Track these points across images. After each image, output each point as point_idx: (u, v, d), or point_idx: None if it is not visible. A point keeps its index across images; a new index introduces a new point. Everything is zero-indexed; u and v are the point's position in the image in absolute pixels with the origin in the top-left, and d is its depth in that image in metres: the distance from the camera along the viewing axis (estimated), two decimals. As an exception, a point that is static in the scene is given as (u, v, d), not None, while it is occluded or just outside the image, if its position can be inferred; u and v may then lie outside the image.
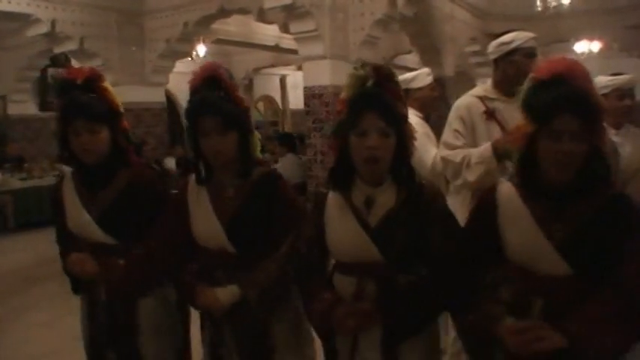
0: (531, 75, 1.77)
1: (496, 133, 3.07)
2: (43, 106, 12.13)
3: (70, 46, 8.28)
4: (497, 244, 1.83)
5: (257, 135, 2.21)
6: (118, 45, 8.51)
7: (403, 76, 3.77)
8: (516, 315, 1.70)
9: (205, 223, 2.18)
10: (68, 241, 2.40)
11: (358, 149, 1.81)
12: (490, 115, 3.12)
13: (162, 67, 8.97)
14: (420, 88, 3.92)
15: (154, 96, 9.13)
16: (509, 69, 3.11)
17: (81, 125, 2.21)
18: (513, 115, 2.92)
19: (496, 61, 3.18)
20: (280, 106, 17.48)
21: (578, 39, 11.22)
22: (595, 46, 11.58)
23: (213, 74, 2.12)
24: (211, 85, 2.10)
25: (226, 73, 2.16)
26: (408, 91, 3.75)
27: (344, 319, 1.83)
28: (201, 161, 2.17)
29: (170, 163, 9.67)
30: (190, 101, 2.11)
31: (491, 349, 1.77)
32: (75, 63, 10.54)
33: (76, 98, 2.22)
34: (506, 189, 1.84)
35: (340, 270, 1.98)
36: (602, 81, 3.53)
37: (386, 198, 1.89)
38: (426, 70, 4.09)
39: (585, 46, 11.59)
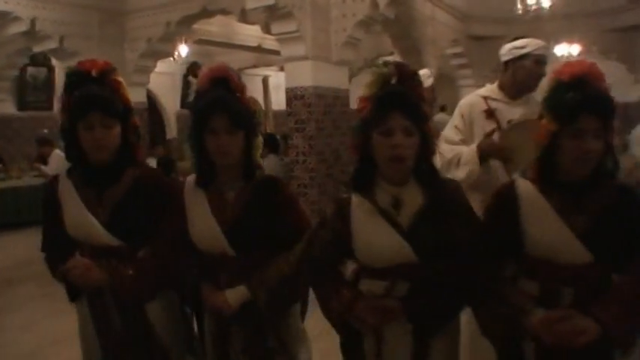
0: (552, 76, 1.84)
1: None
2: (22, 105, 11.99)
3: (50, 44, 8.17)
4: (516, 238, 1.86)
5: (260, 138, 2.19)
6: (99, 44, 8.42)
7: None
8: (544, 306, 1.75)
9: (203, 226, 2.13)
10: (62, 247, 2.24)
11: (383, 148, 1.80)
12: (489, 114, 3.26)
13: (144, 67, 8.90)
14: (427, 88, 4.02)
15: (135, 96, 8.87)
16: (519, 72, 3.24)
17: (96, 119, 2.10)
18: (513, 116, 3.18)
19: (507, 63, 3.30)
20: (263, 107, 17.46)
21: (558, 42, 11.33)
22: (574, 49, 11.73)
23: (223, 75, 2.10)
24: (220, 85, 2.08)
25: (236, 75, 2.14)
26: None
27: (364, 314, 1.83)
28: (204, 162, 2.13)
29: (151, 163, 9.61)
30: (200, 99, 2.08)
31: (520, 340, 1.83)
32: (55, 62, 10.48)
33: (92, 91, 2.12)
34: (524, 184, 1.89)
35: (369, 275, 1.93)
36: None
37: (412, 197, 1.87)
38: (427, 71, 4.19)
39: (565, 49, 11.73)
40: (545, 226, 1.81)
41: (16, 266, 6.99)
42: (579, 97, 1.71)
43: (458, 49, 10.70)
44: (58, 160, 9.06)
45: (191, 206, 2.18)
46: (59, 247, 2.26)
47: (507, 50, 3.30)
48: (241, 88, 2.12)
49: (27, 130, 11.75)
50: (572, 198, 1.80)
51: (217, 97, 2.03)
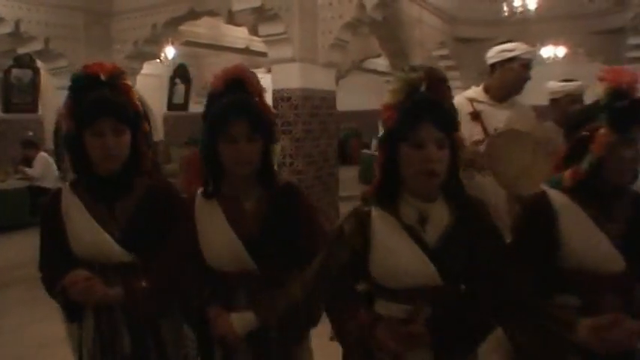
0: (607, 85, 1.82)
1: (477, 134, 3.26)
2: (7, 107, 11.88)
3: (35, 46, 8.09)
4: (549, 252, 1.82)
5: (278, 145, 2.07)
6: (85, 46, 8.36)
7: None
8: (586, 316, 1.72)
9: (221, 240, 1.95)
10: (63, 267, 2.05)
11: (413, 162, 1.64)
12: (475, 116, 3.30)
13: (130, 69, 8.80)
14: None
15: (121, 98, 8.96)
16: (507, 75, 3.29)
17: (107, 126, 1.97)
18: (497, 119, 3.25)
19: (494, 66, 3.32)
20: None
21: (544, 44, 11.41)
22: (560, 51, 11.84)
23: (239, 76, 1.95)
24: (236, 87, 1.92)
25: (253, 76, 2.00)
26: None
27: (386, 339, 1.66)
28: (216, 172, 1.97)
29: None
30: (215, 103, 1.92)
31: (564, 354, 1.76)
32: (40, 64, 10.39)
33: (104, 95, 1.98)
34: (558, 196, 1.85)
35: (389, 298, 1.76)
36: (554, 86, 3.78)
37: (440, 214, 1.73)
38: None
39: (551, 51, 11.83)
40: (585, 237, 1.78)
41: (4, 270, 6.91)
42: (637, 106, 1.73)
43: (445, 52, 10.73)
44: (43, 162, 9.01)
45: (204, 218, 2.00)
46: (60, 267, 2.08)
47: (495, 53, 3.33)
48: (259, 91, 1.99)
49: (12, 133, 11.63)
50: (602, 207, 1.80)
51: (237, 101, 1.88)
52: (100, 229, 2.03)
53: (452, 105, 1.74)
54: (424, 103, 1.65)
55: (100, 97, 1.98)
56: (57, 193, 2.16)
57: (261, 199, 1.99)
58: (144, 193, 2.11)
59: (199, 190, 2.05)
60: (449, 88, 1.75)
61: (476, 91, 3.43)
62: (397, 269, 1.70)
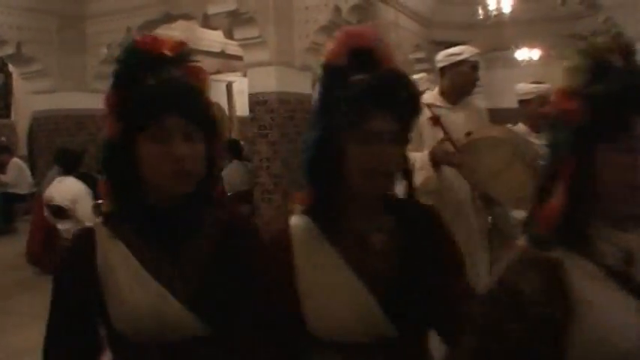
0: None
1: (440, 137, 3.33)
2: (-20, 112, 11.74)
3: (7, 50, 7.97)
4: None
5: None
6: (58, 50, 8.26)
7: None
8: None
9: (339, 295, 1.28)
10: (89, 349, 1.38)
11: (622, 171, 1.09)
12: (435, 121, 3.36)
13: (105, 73, 8.73)
14: (422, 92, 4.15)
15: (96, 102, 8.79)
16: (457, 78, 3.39)
17: (176, 127, 1.26)
18: (456, 121, 3.34)
19: (443, 69, 3.40)
20: (227, 113, 17.36)
21: (518, 47, 11.53)
22: (535, 53, 11.97)
23: (368, 46, 1.30)
24: (365, 63, 1.27)
25: (387, 48, 1.34)
26: None
27: None
28: (332, 187, 1.33)
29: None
30: (344, 84, 1.26)
31: None
32: (12, 68, 10.25)
33: (173, 81, 1.30)
34: None
35: None
36: (524, 88, 3.92)
37: (637, 244, 1.15)
38: (426, 75, 4.40)
39: (526, 54, 11.97)
40: None
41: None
42: None
43: (421, 55, 10.78)
44: (16, 168, 8.89)
45: (309, 264, 1.33)
46: (84, 351, 1.37)
47: (444, 57, 3.46)
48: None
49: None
50: None
51: (382, 84, 1.24)
52: (161, 287, 1.30)
53: None
54: (635, 85, 1.10)
55: (167, 82, 1.29)
56: (86, 236, 1.39)
57: (395, 231, 1.34)
58: (219, 232, 1.41)
59: (294, 220, 1.41)
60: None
61: (432, 96, 3.53)
62: (616, 339, 1.08)
